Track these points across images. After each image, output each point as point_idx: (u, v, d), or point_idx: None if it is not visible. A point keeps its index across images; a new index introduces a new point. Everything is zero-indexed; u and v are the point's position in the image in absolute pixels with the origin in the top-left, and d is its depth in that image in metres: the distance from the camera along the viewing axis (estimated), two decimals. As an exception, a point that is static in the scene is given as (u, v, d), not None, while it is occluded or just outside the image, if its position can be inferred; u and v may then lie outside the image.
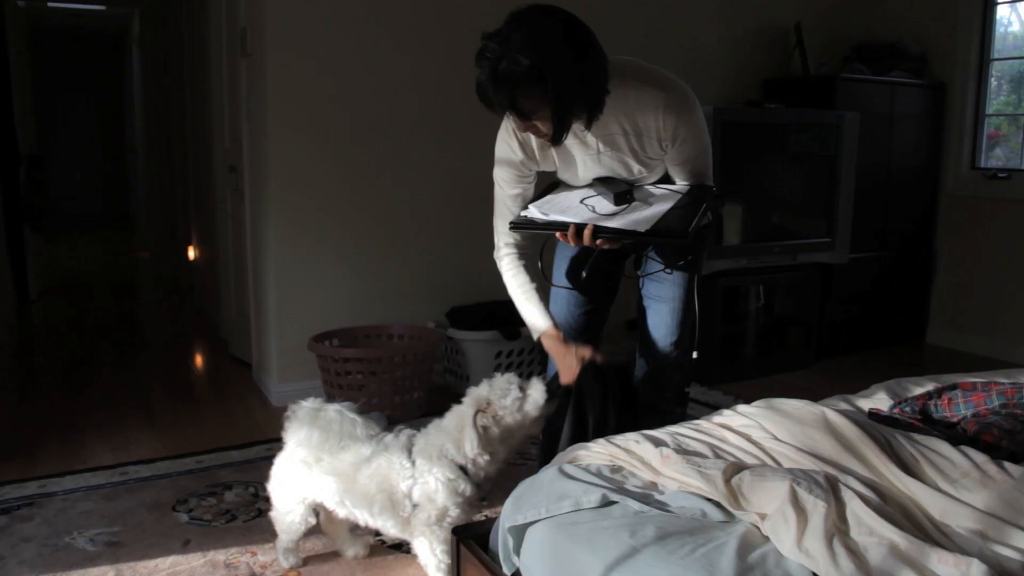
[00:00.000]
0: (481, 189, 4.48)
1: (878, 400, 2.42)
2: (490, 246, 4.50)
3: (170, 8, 7.29)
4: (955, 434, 2.05)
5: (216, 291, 5.67)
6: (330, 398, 3.90)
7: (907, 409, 2.26)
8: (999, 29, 5.21)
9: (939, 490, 1.71)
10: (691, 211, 2.22)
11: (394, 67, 4.15)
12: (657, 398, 2.65)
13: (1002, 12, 5.18)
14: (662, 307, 2.59)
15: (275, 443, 3.55)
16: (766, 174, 4.66)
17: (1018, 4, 5.10)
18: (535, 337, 2.55)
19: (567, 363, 2.42)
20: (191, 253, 7.13)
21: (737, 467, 1.75)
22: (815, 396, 2.43)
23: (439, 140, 4.32)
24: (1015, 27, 5.16)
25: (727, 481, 1.69)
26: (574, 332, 2.65)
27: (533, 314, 2.53)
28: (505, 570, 1.87)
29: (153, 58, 8.07)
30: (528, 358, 4.19)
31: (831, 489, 1.64)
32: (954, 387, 2.36)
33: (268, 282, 4.10)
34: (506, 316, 4.27)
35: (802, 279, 4.82)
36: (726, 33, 5.09)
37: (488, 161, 4.61)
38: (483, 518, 2.82)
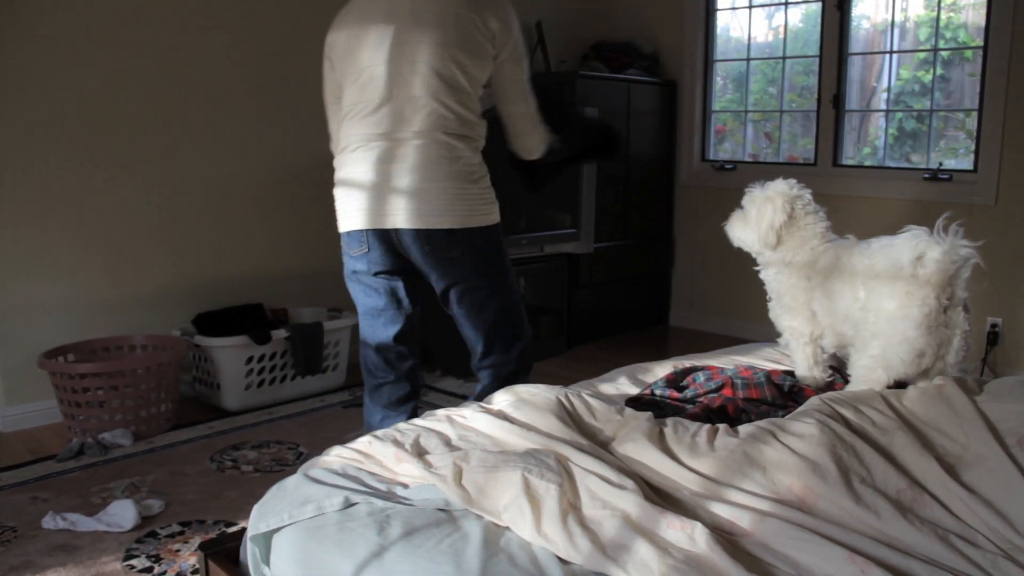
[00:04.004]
0: (222, 189, 4.34)
1: (620, 384, 2.54)
2: (234, 248, 4.36)
3: None
4: (706, 407, 2.19)
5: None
6: (67, 418, 3.65)
7: (657, 392, 2.39)
8: (725, 33, 5.61)
9: (670, 457, 1.81)
10: None
11: (122, 60, 3.91)
12: None
13: (726, 19, 5.59)
14: None
15: (7, 472, 3.28)
16: (511, 168, 4.78)
17: (737, 12, 5.51)
18: None
19: None
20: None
21: (467, 460, 1.78)
22: (568, 382, 2.52)
23: (178, 136, 4.11)
24: (736, 32, 5.58)
25: (458, 481, 1.72)
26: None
27: None
28: (255, 581, 1.81)
29: None
30: (281, 362, 4.09)
31: (563, 469, 1.70)
32: (698, 369, 2.53)
33: (-12, 296, 3.75)
34: (256, 319, 4.15)
35: (550, 269, 5.00)
36: (471, 31, 5.17)
37: (239, 159, 4.48)
38: (236, 529, 2.72)
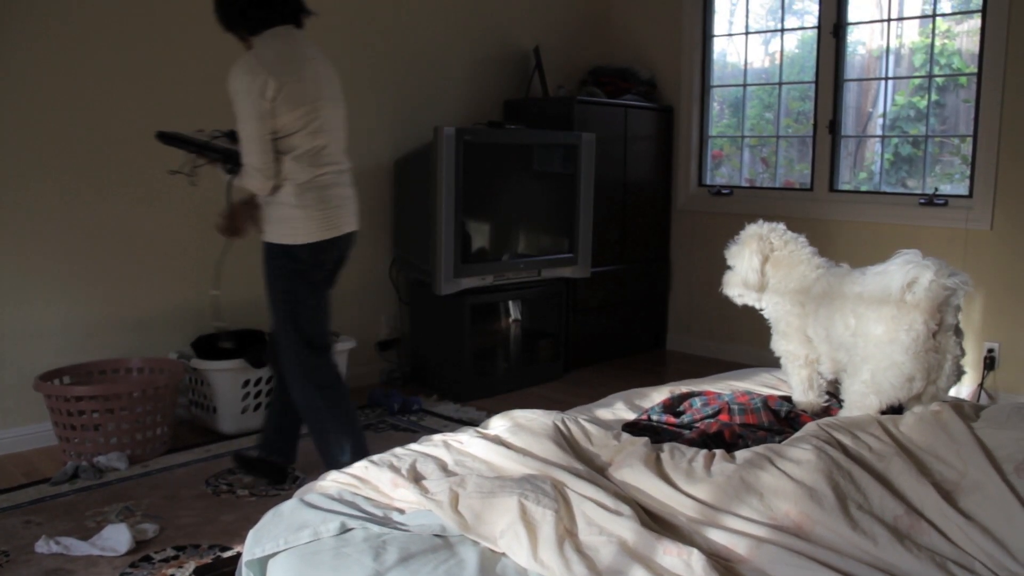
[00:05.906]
0: (221, 212, 4.32)
1: (617, 409, 2.54)
2: (233, 272, 4.36)
3: None
4: (703, 432, 2.20)
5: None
6: (62, 441, 3.64)
7: (654, 417, 2.39)
8: (722, 59, 5.65)
9: (667, 483, 1.81)
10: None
11: (118, 81, 3.93)
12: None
13: (723, 45, 5.63)
14: None
15: (0, 495, 3.27)
16: (509, 193, 4.80)
17: (734, 38, 5.56)
18: None
19: None
20: None
21: (463, 485, 1.78)
22: (565, 407, 2.52)
23: (175, 158, 4.11)
24: (733, 58, 5.62)
25: (454, 506, 1.72)
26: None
27: None
28: (249, 607, 1.80)
29: None
30: (279, 386, 4.08)
31: (559, 495, 1.70)
32: (695, 394, 2.54)
33: (-16, 318, 3.74)
34: (253, 343, 4.14)
35: (548, 294, 4.99)
36: (468, 56, 5.20)
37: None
38: (232, 554, 2.71)
